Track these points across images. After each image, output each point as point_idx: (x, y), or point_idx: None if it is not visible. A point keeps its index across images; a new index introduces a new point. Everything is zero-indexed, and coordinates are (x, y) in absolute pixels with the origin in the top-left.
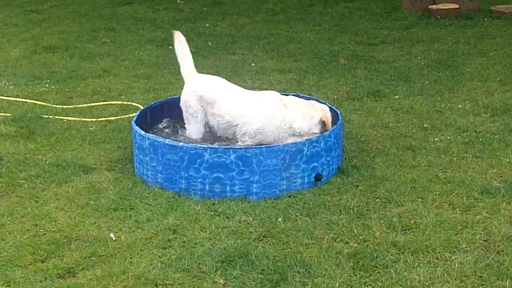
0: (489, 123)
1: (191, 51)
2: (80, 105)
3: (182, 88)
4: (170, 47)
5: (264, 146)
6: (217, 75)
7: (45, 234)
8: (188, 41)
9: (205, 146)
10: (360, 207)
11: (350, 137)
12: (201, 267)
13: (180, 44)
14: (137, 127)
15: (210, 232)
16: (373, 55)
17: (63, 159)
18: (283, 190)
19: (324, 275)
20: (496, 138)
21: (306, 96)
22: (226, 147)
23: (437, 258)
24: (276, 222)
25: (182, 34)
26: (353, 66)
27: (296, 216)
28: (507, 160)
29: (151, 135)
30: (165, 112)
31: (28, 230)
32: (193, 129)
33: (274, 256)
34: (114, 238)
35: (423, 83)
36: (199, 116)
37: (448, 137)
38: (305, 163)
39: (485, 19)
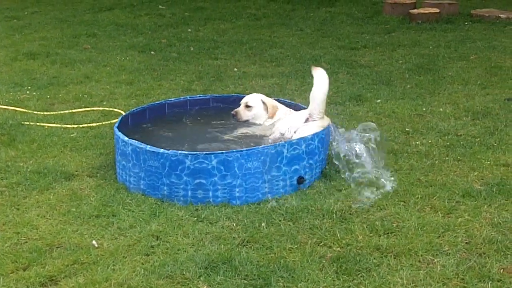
0: (470, 126)
1: (173, 57)
2: (62, 112)
3: (163, 94)
4: (152, 52)
5: (244, 149)
6: (199, 80)
7: (26, 242)
8: (170, 46)
9: (185, 152)
10: (343, 211)
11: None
12: (185, 273)
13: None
14: (120, 132)
15: (193, 238)
16: (355, 59)
17: (45, 166)
18: (265, 193)
19: (308, 279)
20: (477, 141)
21: (287, 101)
22: (207, 152)
23: (419, 261)
24: (260, 227)
25: (164, 39)
26: (335, 71)
27: (280, 220)
28: (488, 163)
29: (134, 141)
30: (147, 118)
31: (10, 238)
32: None
33: (257, 261)
34: (96, 245)
35: (404, 87)
36: None
37: (430, 141)
38: (286, 165)
39: (466, 23)
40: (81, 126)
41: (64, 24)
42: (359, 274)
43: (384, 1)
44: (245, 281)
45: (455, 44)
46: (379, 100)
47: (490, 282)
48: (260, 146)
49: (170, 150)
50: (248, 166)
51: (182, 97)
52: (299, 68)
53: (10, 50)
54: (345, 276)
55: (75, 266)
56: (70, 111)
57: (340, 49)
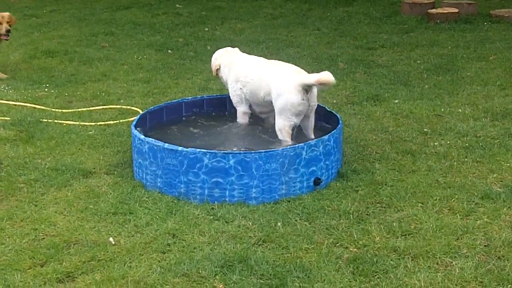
0: (489, 127)
1: (190, 56)
2: (79, 109)
3: (180, 92)
4: (169, 51)
5: (263, 150)
6: (216, 79)
7: (44, 238)
8: (187, 45)
9: (204, 150)
10: (360, 212)
11: (349, 141)
12: (200, 271)
13: None
14: (136, 131)
15: (209, 237)
16: (373, 59)
17: (62, 163)
18: (282, 194)
19: (324, 280)
20: (496, 142)
21: None
22: (226, 151)
23: (437, 264)
24: (276, 227)
25: (181, 38)
26: (352, 70)
27: (296, 220)
28: (508, 165)
29: (151, 139)
30: (164, 117)
31: (28, 234)
32: None
33: (273, 261)
34: (113, 243)
35: (422, 87)
36: None
37: (448, 142)
38: (304, 167)
39: (485, 23)
40: (98, 123)
41: (82, 22)
42: (376, 275)
43: (402, 1)
44: (261, 281)
45: (474, 44)
46: (396, 100)
47: (509, 285)
48: (280, 148)
49: (189, 148)
50: (266, 167)
51: (199, 96)
52: (316, 67)
53: (29, 48)
54: (361, 277)
55: (92, 262)
56: (88, 108)
57: (358, 48)
